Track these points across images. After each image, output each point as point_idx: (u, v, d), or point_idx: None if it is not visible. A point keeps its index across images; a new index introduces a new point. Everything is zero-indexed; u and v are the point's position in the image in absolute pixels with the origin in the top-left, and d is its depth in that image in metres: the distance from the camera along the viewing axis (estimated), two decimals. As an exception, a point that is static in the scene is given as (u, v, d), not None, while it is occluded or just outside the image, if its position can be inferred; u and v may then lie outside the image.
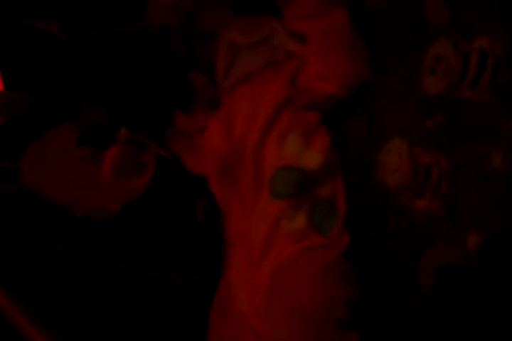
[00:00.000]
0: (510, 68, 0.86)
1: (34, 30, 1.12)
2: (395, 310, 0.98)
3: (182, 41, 1.12)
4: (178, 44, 1.12)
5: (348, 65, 1.00)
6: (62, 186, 1.07)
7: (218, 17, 1.12)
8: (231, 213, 1.06)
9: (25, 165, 1.09)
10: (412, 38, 0.93)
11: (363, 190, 1.01)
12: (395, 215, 0.97)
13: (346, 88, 1.00)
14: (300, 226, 0.99)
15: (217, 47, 1.09)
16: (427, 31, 0.91)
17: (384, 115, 0.98)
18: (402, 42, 0.95)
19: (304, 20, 1.02)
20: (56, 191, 1.08)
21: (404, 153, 0.95)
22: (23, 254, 1.07)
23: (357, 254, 1.00)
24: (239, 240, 1.05)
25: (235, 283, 1.03)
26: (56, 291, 1.05)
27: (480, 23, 0.87)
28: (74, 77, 1.13)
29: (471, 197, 0.90)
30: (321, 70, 1.00)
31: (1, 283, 1.02)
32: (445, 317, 0.93)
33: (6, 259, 1.06)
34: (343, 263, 1.00)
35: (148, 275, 1.08)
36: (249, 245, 1.03)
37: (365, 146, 1.00)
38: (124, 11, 1.14)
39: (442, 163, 0.91)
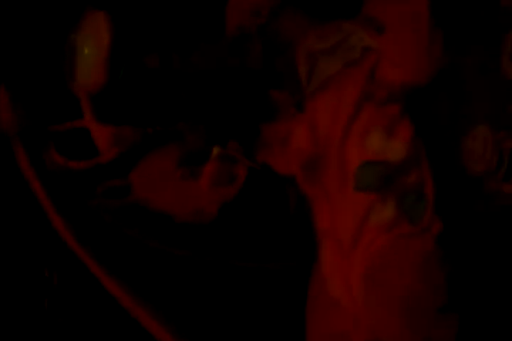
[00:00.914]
0: None
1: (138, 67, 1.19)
2: (490, 290, 1.00)
3: (261, 50, 1.17)
4: (256, 53, 1.17)
5: (424, 54, 1.01)
6: (167, 197, 1.15)
7: (295, 25, 1.16)
8: (318, 209, 1.09)
9: (136, 181, 1.17)
10: (488, 25, 0.95)
11: (450, 176, 1.03)
12: (484, 200, 1.00)
13: (423, 77, 1.01)
14: (390, 217, 1.02)
15: (296, 55, 1.13)
16: (502, 18, 0.93)
17: (467, 102, 0.99)
18: (479, 30, 0.97)
19: (384, 4, 1.04)
20: (162, 202, 1.16)
21: (489, 139, 0.97)
22: (143, 259, 1.15)
23: (448, 240, 1.03)
24: (328, 234, 1.08)
25: (328, 276, 1.06)
26: (170, 290, 1.13)
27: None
28: (173, 106, 1.20)
29: None
30: (397, 59, 1.02)
31: (127, 287, 1.11)
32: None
33: (131, 265, 1.15)
34: (438, 249, 1.02)
35: (249, 266, 1.14)
36: (338, 238, 1.06)
37: (450, 133, 1.02)
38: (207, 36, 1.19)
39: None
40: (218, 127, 1.15)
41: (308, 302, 1.08)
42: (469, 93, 0.99)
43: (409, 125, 1.03)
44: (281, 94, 1.11)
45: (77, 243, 1.10)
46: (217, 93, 1.16)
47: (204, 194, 1.15)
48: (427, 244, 1.01)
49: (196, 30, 1.18)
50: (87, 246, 1.10)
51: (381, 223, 1.01)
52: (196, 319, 1.11)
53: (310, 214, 1.09)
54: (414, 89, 1.02)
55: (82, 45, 1.17)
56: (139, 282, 1.12)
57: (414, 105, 1.04)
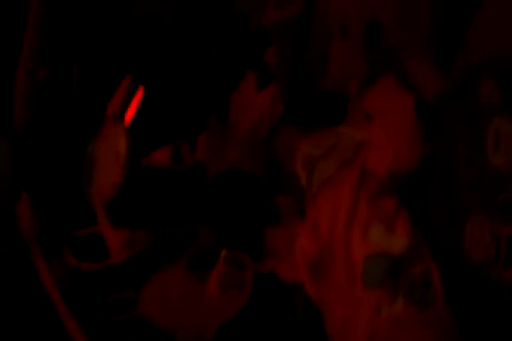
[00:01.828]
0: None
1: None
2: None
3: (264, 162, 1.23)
4: (260, 167, 1.23)
5: (406, 145, 1.07)
6: (172, 314, 1.18)
7: (290, 137, 1.23)
8: (329, 311, 1.11)
9: (145, 295, 1.20)
10: (469, 119, 1.01)
11: (453, 267, 1.05)
12: (486, 289, 1.01)
13: (406, 165, 1.07)
14: (400, 310, 1.03)
15: (294, 163, 1.19)
16: (482, 112, 0.99)
17: (459, 192, 1.03)
18: (461, 124, 1.02)
19: (373, 100, 1.10)
20: (167, 319, 1.18)
21: (486, 228, 1.00)
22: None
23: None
24: (340, 335, 1.09)
25: None
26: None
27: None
28: (183, 208, 1.25)
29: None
30: (382, 149, 1.07)
31: None
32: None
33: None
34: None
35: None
36: (352, 337, 1.07)
37: (448, 225, 1.05)
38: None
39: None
40: (226, 230, 1.19)
41: None
42: (461, 183, 1.03)
43: (407, 218, 1.07)
44: (286, 199, 1.16)
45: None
46: (227, 196, 1.21)
47: (211, 306, 1.16)
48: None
49: (203, 121, 1.25)
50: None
51: (393, 317, 1.02)
52: None
53: (319, 321, 1.11)
54: (403, 180, 1.07)
55: (101, 156, 1.24)
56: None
57: (409, 198, 1.08)
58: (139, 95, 1.26)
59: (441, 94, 1.05)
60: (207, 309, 1.17)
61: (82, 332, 1.15)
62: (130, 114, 1.27)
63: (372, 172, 1.09)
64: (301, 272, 1.13)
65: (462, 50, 1.05)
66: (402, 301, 1.04)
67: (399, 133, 1.08)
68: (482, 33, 1.03)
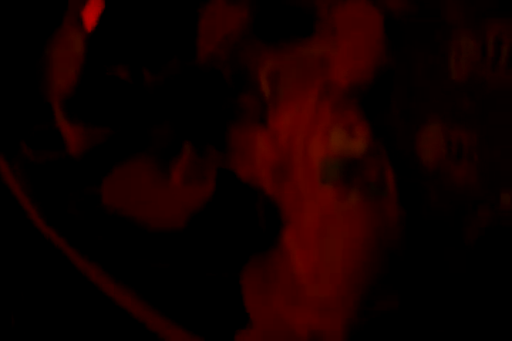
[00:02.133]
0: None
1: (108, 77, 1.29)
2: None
3: (230, 73, 1.29)
4: (227, 75, 1.29)
5: (368, 54, 1.17)
6: (138, 206, 1.22)
7: (255, 49, 1.29)
8: (286, 206, 1.18)
9: (106, 190, 1.23)
10: (432, 35, 1.12)
11: (406, 171, 1.15)
12: (436, 189, 1.12)
13: (367, 75, 1.16)
14: (353, 204, 1.12)
15: (259, 76, 1.26)
16: (445, 29, 1.10)
17: (418, 101, 1.14)
18: (423, 40, 1.13)
19: (339, 12, 1.19)
20: (132, 211, 1.22)
21: (439, 133, 1.11)
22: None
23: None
24: (293, 223, 1.17)
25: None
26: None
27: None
28: (143, 111, 1.29)
29: (500, 163, 1.05)
30: (345, 59, 1.17)
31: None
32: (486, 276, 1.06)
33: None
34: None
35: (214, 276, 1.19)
36: (303, 227, 1.15)
37: (404, 131, 1.15)
38: (180, 51, 1.31)
39: (474, 137, 1.08)
40: (185, 123, 1.23)
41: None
42: (419, 93, 1.14)
43: (367, 125, 1.16)
44: (251, 99, 1.22)
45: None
46: (186, 92, 1.25)
47: (175, 197, 1.21)
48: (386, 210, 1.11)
49: (170, 45, 1.29)
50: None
51: (346, 210, 1.11)
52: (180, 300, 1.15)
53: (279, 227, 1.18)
54: (364, 91, 1.16)
55: (57, 56, 1.27)
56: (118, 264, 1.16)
57: (369, 107, 1.17)
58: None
59: (407, 12, 1.15)
60: (172, 200, 1.21)
61: (48, 226, 1.18)
62: (92, 20, 1.30)
63: (336, 83, 1.18)
64: (261, 175, 1.20)
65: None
66: (355, 198, 1.13)
67: (363, 47, 1.17)
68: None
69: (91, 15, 1.29)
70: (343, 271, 1.10)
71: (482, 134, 1.07)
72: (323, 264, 1.12)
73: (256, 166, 1.21)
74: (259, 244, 1.21)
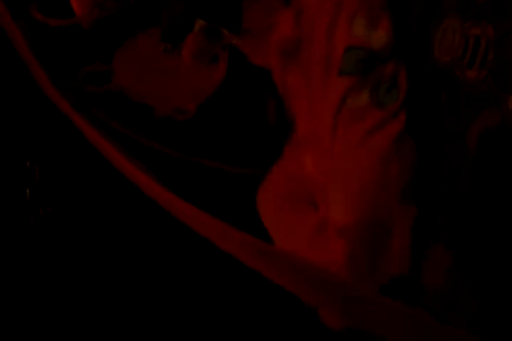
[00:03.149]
0: None
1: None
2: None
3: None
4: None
5: None
6: (148, 86, 1.19)
7: None
8: (295, 96, 1.15)
9: (117, 67, 1.21)
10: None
11: (422, 68, 1.09)
12: (448, 89, 1.05)
13: None
14: (363, 104, 1.08)
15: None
16: None
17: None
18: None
19: None
20: (143, 90, 1.20)
21: (457, 29, 1.03)
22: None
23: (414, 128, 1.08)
24: (305, 119, 1.14)
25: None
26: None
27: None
28: None
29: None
30: None
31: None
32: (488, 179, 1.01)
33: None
34: (405, 138, 1.08)
35: (219, 169, 1.18)
36: (316, 123, 1.12)
37: (423, 27, 1.08)
38: None
39: (490, 33, 0.99)
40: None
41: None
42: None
43: (389, 18, 1.09)
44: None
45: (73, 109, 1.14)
46: None
47: (185, 84, 1.18)
48: (394, 131, 1.07)
49: None
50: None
51: (355, 109, 1.07)
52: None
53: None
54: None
55: None
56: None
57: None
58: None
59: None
60: (182, 80, 1.19)
61: (60, 97, 1.17)
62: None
63: None
64: (272, 57, 1.15)
65: None
66: (367, 94, 1.08)
67: None
68: None
69: None
70: (356, 184, 1.07)
71: (499, 30, 0.98)
72: (335, 172, 1.09)
73: (269, 45, 1.16)
74: (268, 140, 1.19)
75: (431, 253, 1.05)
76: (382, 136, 1.08)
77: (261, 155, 1.23)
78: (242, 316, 1.23)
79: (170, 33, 1.20)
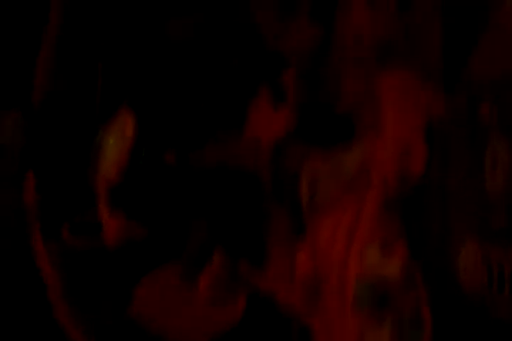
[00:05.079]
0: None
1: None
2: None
3: (269, 178, 1.23)
4: (266, 180, 1.23)
5: (412, 161, 1.07)
6: (169, 319, 1.17)
7: (298, 154, 1.22)
8: (319, 332, 1.09)
9: (138, 297, 1.19)
10: (468, 142, 0.99)
11: (446, 297, 1.02)
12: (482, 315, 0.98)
13: (411, 181, 1.06)
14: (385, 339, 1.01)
15: (299, 182, 1.18)
16: (480, 136, 0.97)
17: (454, 217, 1.01)
18: (459, 147, 1.01)
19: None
20: (164, 324, 1.17)
21: (479, 254, 0.97)
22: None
23: None
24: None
25: None
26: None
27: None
28: (185, 205, 1.26)
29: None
30: (390, 164, 1.07)
31: None
32: None
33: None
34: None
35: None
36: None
37: (441, 251, 1.03)
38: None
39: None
40: (223, 227, 1.18)
41: None
42: (455, 208, 1.01)
43: (405, 246, 1.05)
44: (285, 212, 1.15)
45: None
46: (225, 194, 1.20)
47: (201, 314, 1.15)
48: None
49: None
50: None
51: None
52: None
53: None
54: (405, 197, 1.05)
55: (109, 143, 1.28)
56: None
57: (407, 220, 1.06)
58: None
59: (445, 116, 1.04)
60: (198, 318, 1.15)
61: (71, 316, 1.16)
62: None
63: (376, 187, 1.09)
64: (296, 295, 1.12)
65: (465, 75, 1.05)
66: (388, 331, 1.02)
67: (406, 150, 1.08)
68: (484, 59, 1.02)
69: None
70: None
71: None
72: None
73: (292, 284, 1.13)
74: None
75: None
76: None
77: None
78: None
79: (191, 267, 1.19)
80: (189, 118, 1.29)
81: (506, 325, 0.95)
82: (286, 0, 1.27)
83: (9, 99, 1.34)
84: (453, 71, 1.06)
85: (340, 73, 1.24)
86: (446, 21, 1.10)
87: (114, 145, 1.29)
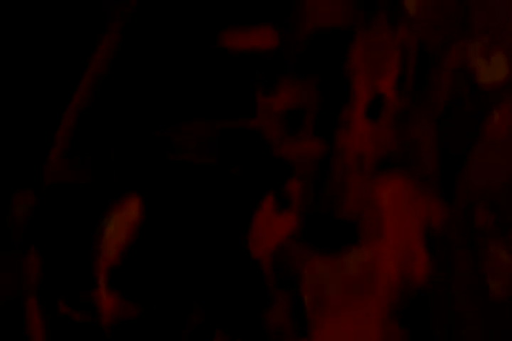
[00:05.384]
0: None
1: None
2: None
3: (272, 276, 1.26)
4: (268, 276, 1.26)
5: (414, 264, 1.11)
6: None
7: (301, 255, 1.26)
8: None
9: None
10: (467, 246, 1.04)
11: None
12: None
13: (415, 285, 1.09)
14: None
15: (301, 285, 1.21)
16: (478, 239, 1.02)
17: (459, 324, 1.04)
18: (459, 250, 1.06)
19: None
20: None
21: None
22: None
23: None
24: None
25: None
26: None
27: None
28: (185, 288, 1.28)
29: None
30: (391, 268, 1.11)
31: None
32: None
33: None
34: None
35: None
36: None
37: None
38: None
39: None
40: (218, 310, 1.19)
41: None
42: (460, 316, 1.04)
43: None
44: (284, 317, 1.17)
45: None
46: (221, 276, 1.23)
47: None
48: None
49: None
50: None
51: None
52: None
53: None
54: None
55: (113, 226, 1.31)
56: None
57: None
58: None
59: (444, 222, 1.09)
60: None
61: None
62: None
63: (381, 293, 1.11)
64: None
65: (461, 183, 1.10)
66: None
67: (408, 255, 1.12)
68: (477, 169, 1.08)
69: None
70: None
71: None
72: None
73: None
74: None
75: None
76: None
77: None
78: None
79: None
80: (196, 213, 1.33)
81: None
82: (292, 117, 1.33)
83: (25, 179, 1.40)
84: (450, 179, 1.12)
85: (342, 182, 1.29)
86: (441, 132, 1.16)
87: (118, 229, 1.32)
